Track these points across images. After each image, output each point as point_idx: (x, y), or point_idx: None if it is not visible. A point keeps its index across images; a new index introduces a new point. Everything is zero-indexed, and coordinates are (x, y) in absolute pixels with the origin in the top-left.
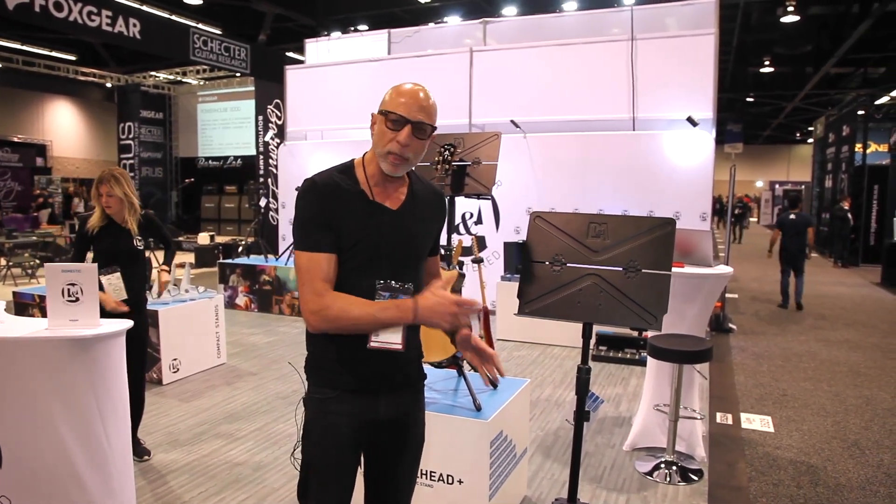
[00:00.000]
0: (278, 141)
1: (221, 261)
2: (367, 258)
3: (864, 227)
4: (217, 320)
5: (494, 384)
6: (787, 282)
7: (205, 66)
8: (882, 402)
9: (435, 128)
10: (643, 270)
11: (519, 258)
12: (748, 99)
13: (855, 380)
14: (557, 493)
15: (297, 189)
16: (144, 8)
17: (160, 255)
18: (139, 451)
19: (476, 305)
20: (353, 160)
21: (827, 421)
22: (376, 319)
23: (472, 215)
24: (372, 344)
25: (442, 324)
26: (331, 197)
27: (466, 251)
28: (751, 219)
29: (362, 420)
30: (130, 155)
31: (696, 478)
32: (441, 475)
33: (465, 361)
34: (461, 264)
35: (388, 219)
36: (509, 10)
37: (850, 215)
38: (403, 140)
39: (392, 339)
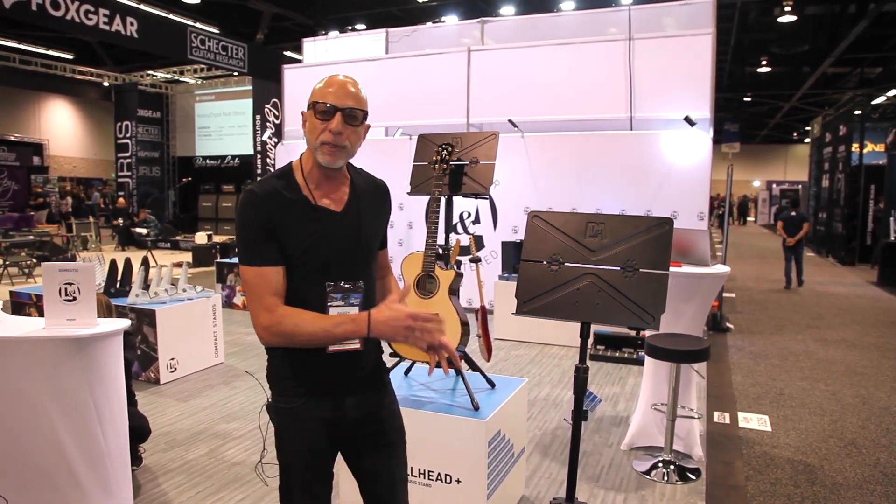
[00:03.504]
0: (276, 140)
1: (219, 260)
2: (317, 265)
3: (861, 227)
4: (214, 319)
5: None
6: (789, 267)
7: (202, 66)
8: (879, 402)
9: (367, 113)
10: (641, 270)
11: (517, 258)
12: (745, 99)
13: (852, 379)
14: (555, 492)
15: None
16: (142, 7)
17: (158, 253)
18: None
19: (437, 319)
20: (290, 163)
21: (824, 420)
22: (330, 335)
23: (469, 215)
24: (331, 348)
25: (397, 338)
26: (272, 207)
27: (464, 251)
28: (748, 218)
29: (333, 423)
30: (128, 154)
31: (693, 477)
32: (439, 474)
33: (462, 361)
34: (459, 264)
35: (334, 222)
36: (507, 10)
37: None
38: (335, 128)
39: (349, 341)
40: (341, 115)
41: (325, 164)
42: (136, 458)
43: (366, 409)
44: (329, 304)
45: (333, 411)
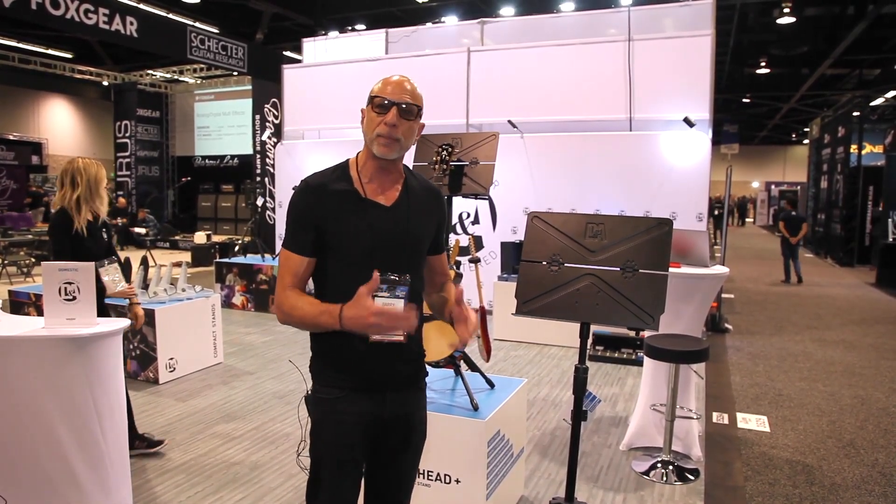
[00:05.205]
0: (275, 140)
1: (218, 260)
2: (361, 255)
3: (860, 228)
4: (214, 319)
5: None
6: (788, 263)
7: (202, 65)
8: (877, 402)
9: (421, 108)
10: (640, 270)
11: (516, 258)
12: (744, 100)
13: (850, 380)
14: (554, 492)
15: (293, 188)
16: (142, 6)
17: (157, 253)
18: (151, 442)
19: (404, 317)
20: (347, 160)
21: (822, 421)
22: (315, 321)
23: (469, 215)
24: (374, 337)
25: (366, 332)
26: (322, 198)
27: (464, 251)
28: (747, 219)
29: (370, 419)
30: (127, 153)
31: (692, 477)
32: (438, 474)
33: (461, 361)
34: (458, 264)
35: (382, 215)
36: (507, 11)
37: None
38: (391, 120)
39: (393, 332)
40: (397, 109)
41: (380, 154)
42: (154, 441)
43: (403, 409)
44: (375, 294)
45: (372, 406)
